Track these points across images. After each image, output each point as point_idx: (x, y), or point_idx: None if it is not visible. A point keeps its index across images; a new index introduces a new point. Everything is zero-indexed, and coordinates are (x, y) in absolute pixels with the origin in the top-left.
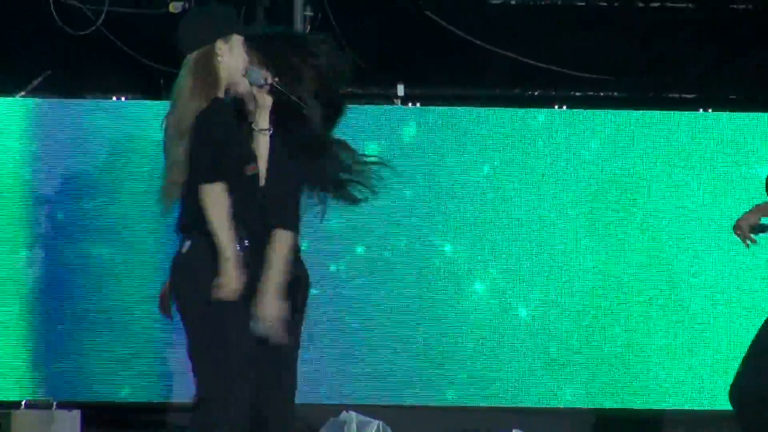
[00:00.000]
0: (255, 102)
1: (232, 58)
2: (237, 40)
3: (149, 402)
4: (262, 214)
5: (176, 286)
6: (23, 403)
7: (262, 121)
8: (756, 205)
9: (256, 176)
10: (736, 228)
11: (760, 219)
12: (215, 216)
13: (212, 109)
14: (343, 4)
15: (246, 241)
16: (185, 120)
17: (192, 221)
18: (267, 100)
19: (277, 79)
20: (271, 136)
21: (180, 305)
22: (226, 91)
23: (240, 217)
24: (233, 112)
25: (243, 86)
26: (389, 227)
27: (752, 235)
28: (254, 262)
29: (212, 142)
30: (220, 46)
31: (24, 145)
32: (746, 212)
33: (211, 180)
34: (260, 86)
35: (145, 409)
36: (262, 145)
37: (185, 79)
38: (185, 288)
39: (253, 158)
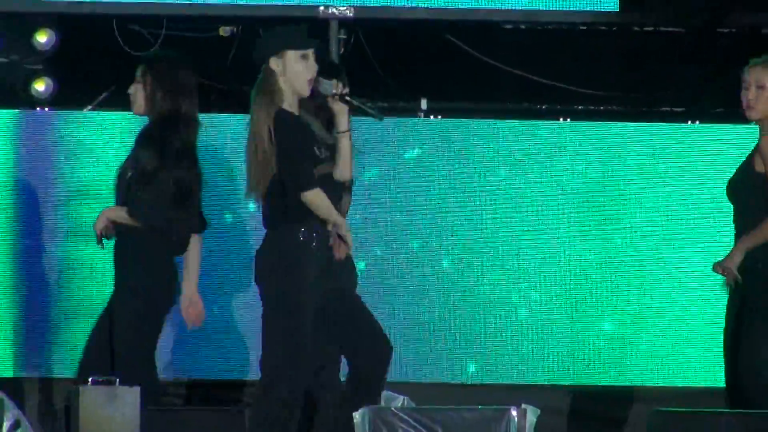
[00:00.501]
0: (331, 109)
1: (289, 72)
2: (292, 55)
3: (201, 378)
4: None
5: (261, 273)
6: (90, 380)
7: (341, 124)
8: (736, 245)
9: (329, 175)
10: (724, 270)
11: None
12: (328, 211)
13: (278, 121)
14: (374, 29)
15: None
16: (254, 129)
17: (273, 219)
18: (342, 107)
19: (347, 90)
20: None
21: (264, 289)
22: (303, 101)
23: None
24: (297, 120)
25: (318, 95)
26: (410, 224)
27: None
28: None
29: (298, 151)
30: (275, 62)
31: (88, 151)
32: (730, 253)
33: (311, 188)
34: (332, 96)
35: (198, 385)
36: (346, 146)
37: (253, 94)
38: (270, 276)
39: (326, 159)
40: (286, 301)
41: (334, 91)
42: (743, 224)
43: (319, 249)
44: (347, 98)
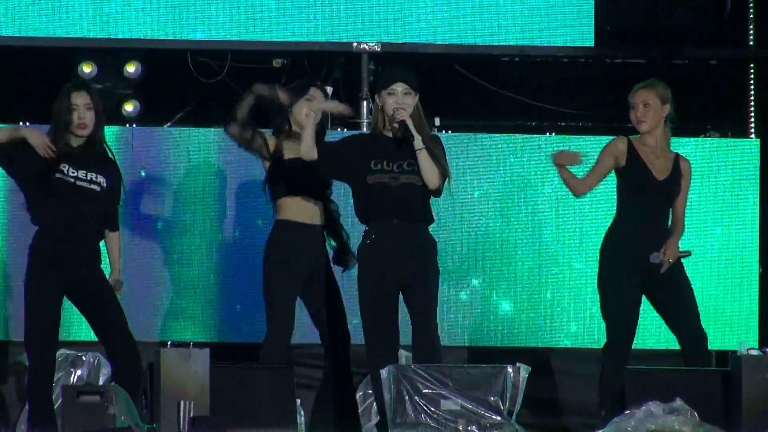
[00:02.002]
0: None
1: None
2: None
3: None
4: None
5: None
6: (168, 343)
7: (417, 143)
8: (672, 235)
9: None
10: (665, 257)
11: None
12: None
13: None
14: (397, 60)
15: None
16: None
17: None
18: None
19: (403, 119)
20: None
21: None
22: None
23: None
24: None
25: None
26: None
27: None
28: None
29: None
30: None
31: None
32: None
33: None
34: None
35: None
36: (423, 159)
37: None
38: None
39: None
40: None
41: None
42: None
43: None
44: (405, 124)
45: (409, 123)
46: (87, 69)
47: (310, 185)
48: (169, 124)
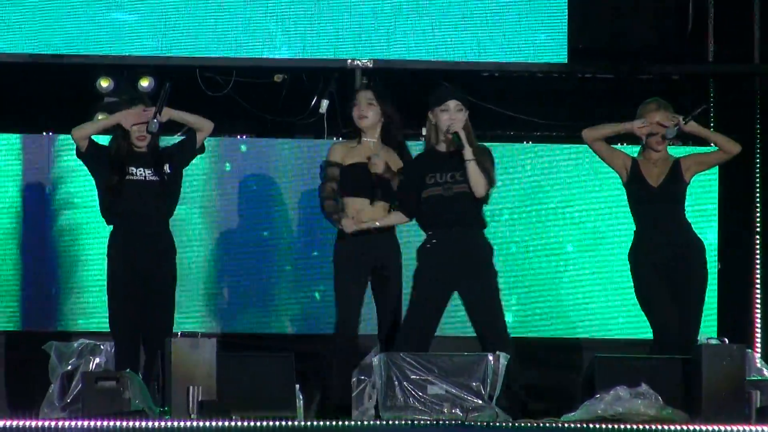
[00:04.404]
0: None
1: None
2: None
3: (266, 332)
4: None
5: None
6: (179, 333)
7: (467, 154)
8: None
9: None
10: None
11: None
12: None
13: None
14: (388, 75)
15: None
16: None
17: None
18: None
19: (456, 131)
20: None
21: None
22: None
23: None
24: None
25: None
26: None
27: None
28: None
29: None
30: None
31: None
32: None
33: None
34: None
35: (264, 337)
36: (471, 169)
37: None
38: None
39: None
40: None
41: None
42: None
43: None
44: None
45: (462, 135)
46: (105, 83)
47: (372, 187)
48: (179, 133)
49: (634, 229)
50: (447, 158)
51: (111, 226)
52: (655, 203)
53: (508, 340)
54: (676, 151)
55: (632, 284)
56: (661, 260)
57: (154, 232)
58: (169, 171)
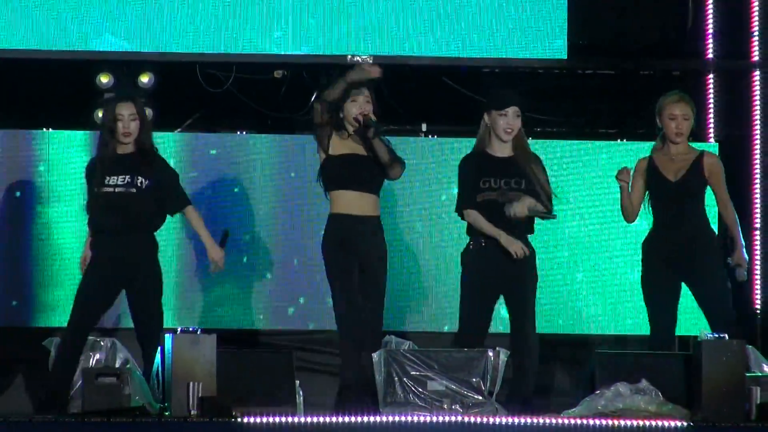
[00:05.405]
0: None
1: None
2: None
3: (264, 329)
4: None
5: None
6: (178, 329)
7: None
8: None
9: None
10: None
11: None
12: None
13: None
14: (388, 71)
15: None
16: None
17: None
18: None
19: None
20: None
21: None
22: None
23: None
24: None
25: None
26: (415, 212)
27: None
28: None
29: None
30: None
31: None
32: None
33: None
34: None
35: (263, 333)
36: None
37: None
38: None
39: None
40: None
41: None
42: None
43: None
44: None
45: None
46: (105, 79)
47: (361, 179)
48: (179, 129)
49: (651, 221)
50: (502, 163)
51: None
52: (672, 198)
53: (534, 344)
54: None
55: (639, 275)
56: (673, 255)
57: (127, 243)
58: (145, 185)
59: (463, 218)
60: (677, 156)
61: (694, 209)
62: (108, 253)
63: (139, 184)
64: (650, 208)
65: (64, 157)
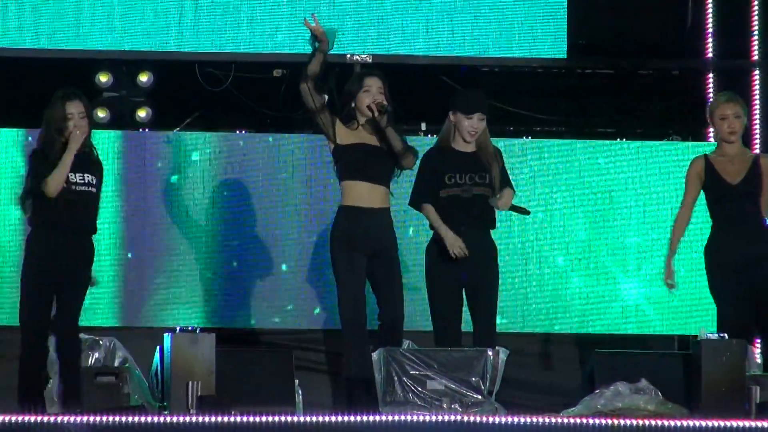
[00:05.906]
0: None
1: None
2: None
3: (264, 328)
4: None
5: None
6: (177, 328)
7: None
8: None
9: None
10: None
11: None
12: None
13: None
14: (387, 71)
15: None
16: None
17: None
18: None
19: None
20: None
21: None
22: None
23: None
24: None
25: None
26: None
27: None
28: None
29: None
30: None
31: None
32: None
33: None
34: None
35: (263, 332)
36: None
37: None
38: None
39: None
40: None
41: None
42: None
43: None
44: None
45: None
46: (104, 78)
47: (372, 169)
48: (178, 128)
49: (711, 225)
50: (467, 159)
51: (30, 227)
52: (733, 201)
53: (495, 336)
54: (677, 150)
55: (706, 281)
56: (740, 260)
57: (86, 242)
58: (95, 184)
59: (419, 211)
60: (735, 158)
61: (755, 211)
62: (58, 250)
63: (95, 183)
64: (710, 209)
65: None
